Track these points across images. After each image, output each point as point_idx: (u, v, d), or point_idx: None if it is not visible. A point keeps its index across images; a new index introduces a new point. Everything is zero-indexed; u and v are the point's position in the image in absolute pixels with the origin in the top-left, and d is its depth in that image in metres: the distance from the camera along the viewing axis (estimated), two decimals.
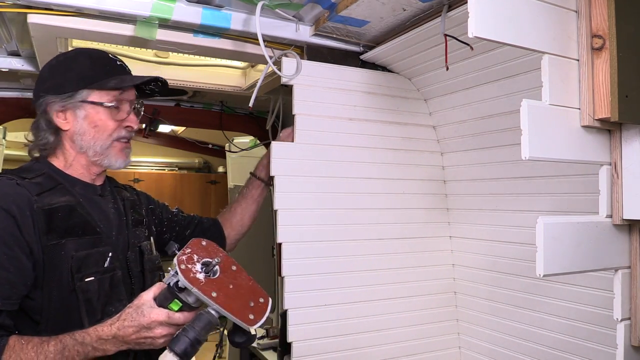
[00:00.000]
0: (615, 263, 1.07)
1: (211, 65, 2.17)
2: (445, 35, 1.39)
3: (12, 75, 1.98)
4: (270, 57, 1.50)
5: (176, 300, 1.13)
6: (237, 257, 1.85)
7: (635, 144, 1.04)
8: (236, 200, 1.82)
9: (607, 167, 1.07)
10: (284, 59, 1.63)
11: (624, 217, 1.04)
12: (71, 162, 1.33)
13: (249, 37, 1.62)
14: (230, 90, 2.26)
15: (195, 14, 1.48)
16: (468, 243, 1.94)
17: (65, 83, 1.31)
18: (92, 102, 1.30)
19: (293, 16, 1.59)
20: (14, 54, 1.83)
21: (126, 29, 1.49)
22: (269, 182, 1.78)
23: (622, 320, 1.05)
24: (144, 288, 1.24)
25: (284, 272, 1.64)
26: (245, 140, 3.03)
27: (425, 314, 1.92)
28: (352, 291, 1.76)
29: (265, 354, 2.65)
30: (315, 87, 1.71)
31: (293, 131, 1.69)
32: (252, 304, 1.16)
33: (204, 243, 1.21)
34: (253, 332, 1.15)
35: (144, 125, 2.44)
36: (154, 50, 1.98)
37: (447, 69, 1.51)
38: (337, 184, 1.75)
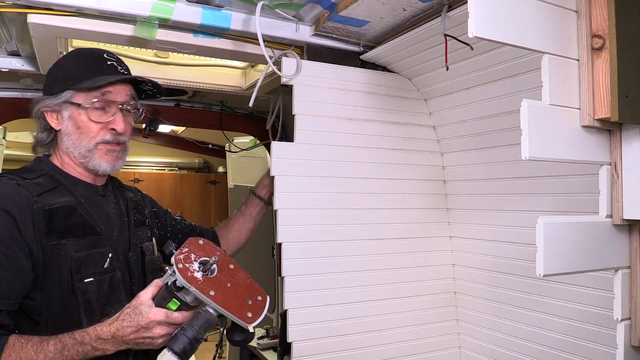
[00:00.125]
0: (615, 263, 1.07)
1: (211, 65, 2.17)
2: (445, 35, 1.39)
3: (12, 75, 1.98)
4: (270, 57, 1.50)
5: (174, 299, 1.13)
6: (238, 257, 1.86)
7: (635, 144, 1.04)
8: (234, 217, 1.82)
9: (607, 167, 1.07)
10: (284, 59, 1.63)
11: (624, 217, 1.04)
12: (65, 162, 1.33)
13: (249, 37, 1.62)
14: (230, 90, 2.26)
15: (195, 14, 1.48)
16: (468, 243, 1.94)
17: (54, 83, 1.32)
18: (74, 104, 1.29)
19: (293, 16, 1.59)
20: (14, 54, 1.83)
21: (126, 29, 1.49)
22: (268, 201, 1.78)
23: (622, 320, 1.05)
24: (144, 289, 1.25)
25: (284, 272, 1.64)
26: (245, 140, 3.03)
27: (425, 314, 1.92)
28: (352, 291, 1.76)
29: (265, 354, 2.65)
30: (315, 87, 1.71)
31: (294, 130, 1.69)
32: (250, 302, 1.17)
33: (201, 242, 1.21)
34: (251, 330, 1.15)
35: (144, 125, 2.45)
36: (154, 50, 1.98)
37: (447, 69, 1.51)
38: (337, 184, 1.75)
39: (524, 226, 1.68)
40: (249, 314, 1.14)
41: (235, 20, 1.53)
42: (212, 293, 1.11)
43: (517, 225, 1.72)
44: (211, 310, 1.12)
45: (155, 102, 2.37)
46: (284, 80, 1.63)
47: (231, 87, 2.25)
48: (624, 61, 0.99)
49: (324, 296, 1.70)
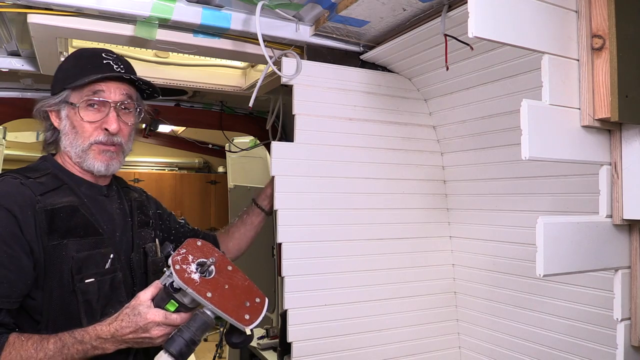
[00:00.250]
0: (615, 263, 1.07)
1: (211, 65, 2.17)
2: (445, 35, 1.39)
3: (12, 75, 1.98)
4: (270, 57, 1.50)
5: (172, 300, 1.13)
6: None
7: (635, 144, 1.04)
8: (235, 225, 1.82)
9: (607, 167, 1.07)
10: (284, 59, 1.63)
11: (624, 217, 1.04)
12: (67, 162, 1.34)
13: (249, 37, 1.62)
14: (230, 90, 2.26)
15: (195, 14, 1.48)
16: (468, 243, 1.94)
17: (56, 83, 1.34)
18: (70, 103, 1.30)
19: (293, 16, 1.59)
20: (14, 54, 1.83)
21: (126, 29, 1.49)
22: (270, 212, 1.78)
23: (622, 320, 1.05)
24: None
25: (284, 272, 1.64)
26: (245, 140, 3.03)
27: (425, 314, 1.92)
28: (352, 291, 1.76)
29: (265, 354, 2.64)
30: (315, 87, 1.71)
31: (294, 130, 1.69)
32: (247, 304, 1.16)
33: (199, 243, 1.20)
34: (249, 333, 1.14)
35: (144, 125, 2.45)
36: (154, 50, 1.98)
37: (447, 69, 1.52)
38: (337, 184, 1.75)
39: (524, 226, 1.68)
40: (247, 316, 1.13)
41: (235, 20, 1.54)
42: (209, 295, 1.10)
43: (517, 225, 1.72)
44: (208, 312, 1.11)
45: (155, 102, 2.37)
46: (284, 80, 1.63)
47: (231, 87, 2.25)
48: (624, 61, 0.99)
49: (324, 296, 1.70)
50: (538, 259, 0.95)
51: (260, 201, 1.79)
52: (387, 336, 1.82)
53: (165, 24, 1.50)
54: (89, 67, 1.29)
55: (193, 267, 1.13)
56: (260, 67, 2.10)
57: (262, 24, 1.44)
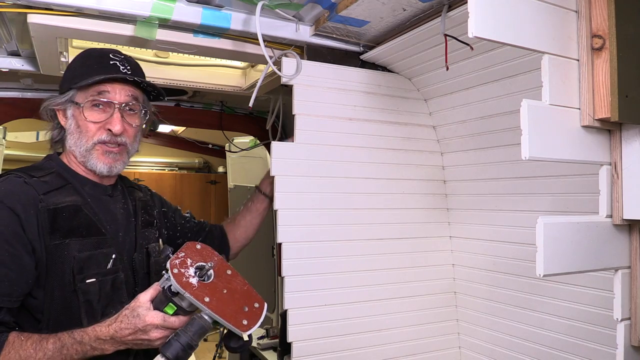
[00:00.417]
0: (615, 263, 1.07)
1: (211, 65, 2.17)
2: (445, 35, 1.39)
3: (12, 75, 1.98)
4: (270, 57, 1.50)
5: (171, 304, 1.12)
6: (238, 257, 1.86)
7: (635, 144, 1.04)
8: (240, 213, 1.82)
9: (607, 167, 1.07)
10: (284, 59, 1.63)
11: (624, 217, 1.04)
12: (72, 161, 1.34)
13: (249, 37, 1.62)
14: (230, 90, 2.26)
15: (195, 14, 1.48)
16: (468, 243, 1.94)
17: (64, 82, 1.34)
18: (75, 102, 1.30)
19: (293, 16, 1.59)
20: (14, 54, 1.83)
21: (126, 29, 1.49)
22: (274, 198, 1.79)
23: (622, 320, 1.05)
24: None
25: (284, 272, 1.64)
26: (245, 140, 3.03)
27: (425, 314, 1.92)
28: (352, 291, 1.76)
29: (265, 354, 2.65)
30: (315, 87, 1.71)
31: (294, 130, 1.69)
32: (246, 309, 1.15)
33: (198, 247, 1.19)
34: (246, 338, 1.13)
35: (143, 125, 2.45)
36: (154, 50, 1.98)
37: (447, 69, 1.51)
38: (337, 184, 1.75)
39: (524, 226, 1.68)
40: (245, 322, 1.13)
41: (235, 20, 1.54)
42: (206, 299, 1.10)
43: (517, 225, 1.72)
44: (206, 317, 1.11)
45: (155, 102, 2.37)
46: (284, 80, 1.63)
47: (231, 87, 2.25)
48: (624, 61, 0.99)
49: (324, 296, 1.70)
50: (538, 259, 0.95)
51: (264, 188, 1.79)
52: (387, 336, 1.82)
53: (165, 24, 1.50)
54: (96, 68, 1.30)
55: (191, 271, 1.12)
56: (260, 67, 2.10)
57: (262, 24, 1.44)
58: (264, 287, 2.99)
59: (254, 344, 2.65)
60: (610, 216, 1.06)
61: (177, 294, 1.11)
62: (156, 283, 1.17)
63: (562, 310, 1.55)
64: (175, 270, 1.10)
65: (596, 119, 1.02)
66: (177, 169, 6.14)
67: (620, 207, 1.04)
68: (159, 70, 2.08)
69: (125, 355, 1.22)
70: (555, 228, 0.97)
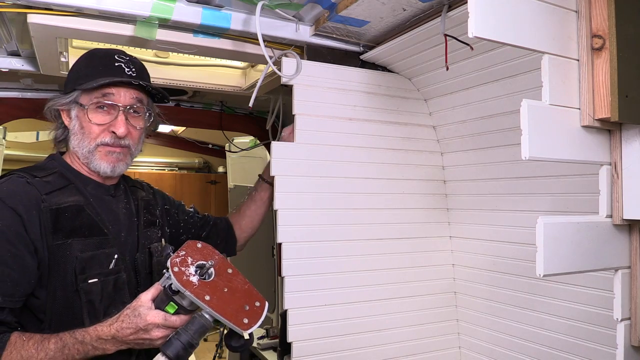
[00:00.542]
0: (615, 263, 1.07)
1: (211, 65, 2.17)
2: (445, 35, 1.39)
3: (12, 75, 1.98)
4: (270, 57, 1.50)
5: (172, 302, 1.12)
6: (238, 257, 1.86)
7: (635, 144, 1.04)
8: (245, 203, 1.82)
9: (607, 167, 1.07)
10: (284, 59, 1.63)
11: (624, 217, 1.04)
12: (75, 161, 1.34)
13: (249, 37, 1.62)
14: (230, 90, 2.26)
15: (195, 14, 1.48)
16: (468, 243, 1.94)
17: (68, 82, 1.34)
18: (79, 104, 1.30)
19: (293, 16, 1.59)
20: (14, 54, 1.83)
21: (126, 29, 1.49)
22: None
23: (622, 320, 1.05)
24: None
25: (284, 272, 1.64)
26: (245, 140, 3.03)
27: (425, 314, 1.92)
28: (352, 291, 1.76)
29: (265, 354, 2.65)
30: (315, 87, 1.71)
31: (294, 130, 1.69)
32: (247, 308, 1.15)
33: (199, 245, 1.19)
34: (247, 337, 1.13)
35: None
36: (154, 50, 1.98)
37: (447, 69, 1.52)
38: (337, 184, 1.75)
39: (524, 226, 1.68)
40: (245, 320, 1.12)
41: (235, 20, 1.54)
42: (207, 298, 1.10)
43: (517, 225, 1.72)
44: (207, 315, 1.11)
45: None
46: (284, 80, 1.63)
47: (231, 87, 2.25)
48: (624, 61, 0.99)
49: (324, 296, 1.70)
50: (538, 259, 0.95)
51: (267, 176, 1.79)
52: (387, 336, 1.82)
53: (165, 24, 1.50)
54: (100, 69, 1.30)
55: (192, 269, 1.13)
56: (260, 67, 2.10)
57: (262, 24, 1.44)
58: (264, 287, 2.99)
59: (254, 344, 2.65)
60: (610, 216, 1.06)
61: (177, 292, 1.11)
62: (157, 282, 1.17)
63: (562, 310, 1.55)
64: (176, 269, 1.10)
65: (596, 119, 1.02)
66: (177, 169, 6.14)
67: (620, 207, 1.04)
68: (159, 70, 2.08)
69: (126, 355, 1.22)
70: (555, 228, 0.97)
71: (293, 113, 1.68)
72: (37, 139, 3.83)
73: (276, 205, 1.64)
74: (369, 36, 1.70)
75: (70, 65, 1.68)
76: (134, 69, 1.33)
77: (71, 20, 1.43)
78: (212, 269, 1.15)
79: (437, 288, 1.96)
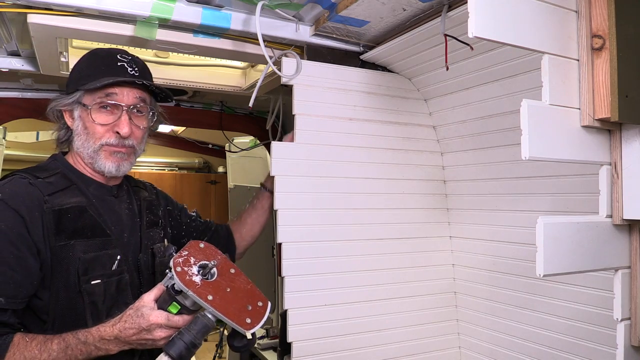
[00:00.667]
0: (615, 263, 1.07)
1: (211, 65, 2.17)
2: (445, 35, 1.39)
3: (12, 75, 1.98)
4: (270, 57, 1.50)
5: (174, 302, 1.12)
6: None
7: (635, 144, 1.04)
8: (246, 211, 1.83)
9: (607, 167, 1.07)
10: (284, 59, 1.63)
11: (624, 217, 1.04)
12: (78, 162, 1.34)
13: (249, 37, 1.62)
14: (230, 90, 2.26)
15: (195, 14, 1.48)
16: (468, 243, 1.94)
17: (70, 83, 1.34)
18: (82, 104, 1.30)
19: (293, 16, 1.59)
20: (14, 54, 1.83)
21: (126, 29, 1.49)
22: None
23: (622, 320, 1.05)
24: None
25: (284, 272, 1.64)
26: (245, 140, 3.03)
27: (425, 314, 1.92)
28: (352, 291, 1.76)
29: (265, 354, 2.65)
30: (315, 87, 1.71)
31: (293, 134, 1.69)
32: (249, 308, 1.15)
33: (201, 245, 1.19)
34: (249, 337, 1.13)
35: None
36: (154, 50, 1.98)
37: (447, 69, 1.51)
38: (337, 184, 1.75)
39: (524, 226, 1.68)
40: (248, 320, 1.13)
41: (235, 20, 1.54)
42: (210, 297, 1.10)
43: (517, 225, 1.72)
44: (209, 315, 1.11)
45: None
46: (284, 80, 1.63)
47: (231, 87, 2.25)
48: (624, 61, 0.99)
49: (324, 296, 1.70)
50: (538, 259, 0.95)
51: (268, 185, 1.79)
52: (387, 336, 1.82)
53: (165, 24, 1.50)
54: (103, 69, 1.29)
55: (195, 269, 1.13)
56: (260, 67, 2.10)
57: (262, 24, 1.44)
58: (264, 287, 2.99)
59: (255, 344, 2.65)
60: (610, 216, 1.06)
61: (180, 292, 1.12)
62: (160, 283, 1.17)
63: (562, 310, 1.55)
64: (179, 269, 1.11)
65: (596, 119, 1.02)
66: (177, 169, 6.13)
67: (620, 207, 1.04)
68: (159, 70, 2.08)
69: (129, 356, 1.22)
70: (555, 228, 0.97)
71: (293, 113, 1.68)
72: (37, 139, 3.83)
73: (276, 205, 1.64)
74: (369, 36, 1.70)
75: (71, 65, 1.68)
76: (136, 69, 1.34)
77: (71, 20, 1.43)
78: (214, 269, 1.15)
79: (437, 288, 1.96)
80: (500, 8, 0.94)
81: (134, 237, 1.36)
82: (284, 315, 1.68)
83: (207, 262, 1.14)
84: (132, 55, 1.37)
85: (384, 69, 1.87)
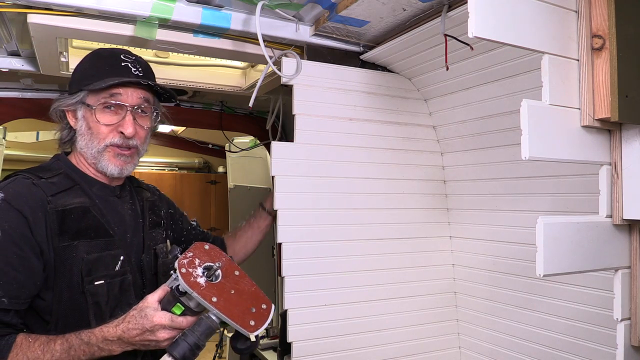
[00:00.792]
0: (615, 263, 1.07)
1: (211, 65, 2.17)
2: (445, 35, 1.39)
3: (12, 75, 1.98)
4: (270, 57, 1.50)
5: (178, 304, 1.12)
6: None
7: (635, 144, 1.04)
8: (241, 228, 1.83)
9: (607, 167, 1.06)
10: (284, 59, 1.63)
11: (624, 217, 1.04)
12: (81, 162, 1.34)
13: (249, 37, 1.62)
14: (230, 90, 2.26)
15: (195, 14, 1.48)
16: (468, 243, 1.94)
17: (73, 83, 1.34)
18: (86, 104, 1.30)
19: (293, 16, 1.59)
20: (14, 54, 1.82)
21: (126, 29, 1.49)
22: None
23: (622, 320, 1.05)
24: None
25: (284, 272, 1.64)
26: (245, 140, 3.03)
27: (425, 314, 1.92)
28: (352, 291, 1.76)
29: (265, 354, 2.65)
30: (315, 87, 1.71)
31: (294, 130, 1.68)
32: (253, 310, 1.15)
33: (206, 247, 1.19)
34: (253, 339, 1.13)
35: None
36: (154, 50, 1.98)
37: (447, 69, 1.51)
38: (337, 184, 1.75)
39: (524, 226, 1.68)
40: (252, 322, 1.12)
41: (235, 20, 1.53)
42: (214, 299, 1.10)
43: (517, 225, 1.72)
44: (213, 317, 1.11)
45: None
46: (284, 80, 1.63)
47: (231, 87, 2.25)
48: (624, 61, 0.99)
49: (324, 296, 1.70)
50: (538, 259, 0.95)
51: (267, 205, 1.80)
52: (387, 336, 1.82)
53: (165, 24, 1.50)
54: (107, 70, 1.29)
55: (199, 270, 1.12)
56: (260, 67, 2.10)
57: (262, 24, 1.44)
58: (264, 287, 2.98)
59: None
60: (610, 216, 1.06)
61: (184, 293, 1.11)
62: (164, 284, 1.17)
63: (562, 310, 1.55)
64: (183, 270, 1.10)
65: (596, 119, 1.02)
66: (177, 169, 6.12)
67: (620, 207, 1.04)
68: (159, 70, 2.08)
69: (132, 356, 1.22)
70: (555, 228, 0.97)
71: (293, 113, 1.68)
72: (37, 139, 3.83)
73: (276, 205, 1.64)
74: (369, 36, 1.70)
75: (71, 65, 1.68)
76: (140, 69, 1.33)
77: (71, 20, 1.43)
78: (219, 271, 1.14)
79: (437, 288, 1.96)
80: (500, 8, 0.94)
81: (136, 238, 1.36)
82: (284, 315, 1.68)
83: (211, 264, 1.14)
84: (136, 55, 1.37)
85: (384, 69, 1.87)
